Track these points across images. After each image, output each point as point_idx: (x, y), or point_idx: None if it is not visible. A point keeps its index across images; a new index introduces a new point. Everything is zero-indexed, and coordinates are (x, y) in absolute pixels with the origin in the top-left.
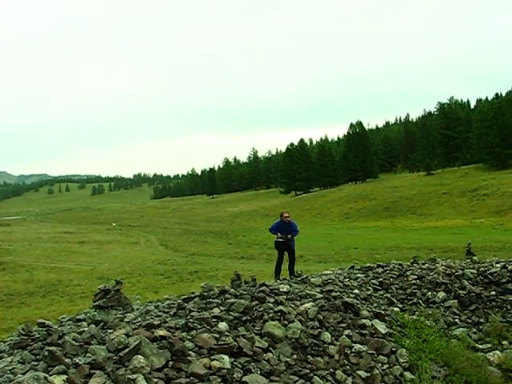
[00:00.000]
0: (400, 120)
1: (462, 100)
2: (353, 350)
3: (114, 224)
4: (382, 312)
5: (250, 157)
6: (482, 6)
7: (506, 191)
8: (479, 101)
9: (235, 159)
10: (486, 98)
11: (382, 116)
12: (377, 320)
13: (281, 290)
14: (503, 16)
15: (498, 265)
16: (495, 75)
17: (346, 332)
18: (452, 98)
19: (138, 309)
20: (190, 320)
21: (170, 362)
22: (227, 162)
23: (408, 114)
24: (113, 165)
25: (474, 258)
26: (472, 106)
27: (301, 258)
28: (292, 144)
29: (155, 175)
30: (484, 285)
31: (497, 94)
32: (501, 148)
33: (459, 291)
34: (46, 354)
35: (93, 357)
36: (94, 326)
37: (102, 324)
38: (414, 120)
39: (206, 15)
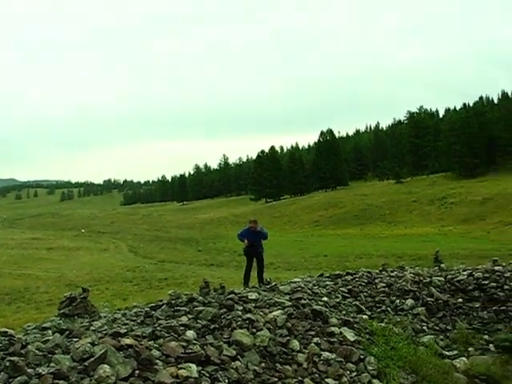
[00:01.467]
0: (370, 128)
1: (430, 109)
2: (321, 357)
3: (83, 230)
4: (351, 320)
5: (220, 164)
6: (455, 18)
7: (473, 200)
8: (448, 110)
9: (206, 166)
10: (455, 108)
11: (353, 124)
12: (346, 328)
13: (249, 297)
14: (471, 29)
15: (464, 272)
16: (462, 86)
17: (315, 340)
18: (421, 107)
19: (105, 317)
20: (158, 328)
21: (137, 371)
22: (198, 168)
23: (378, 123)
24: (83, 170)
25: (442, 265)
26: (441, 116)
27: (271, 265)
28: (263, 151)
29: (125, 181)
30: (451, 292)
31: (464, 105)
32: (468, 157)
33: (427, 298)
34: (8, 364)
35: (56, 366)
36: (58, 334)
37: (67, 333)
38: (384, 128)
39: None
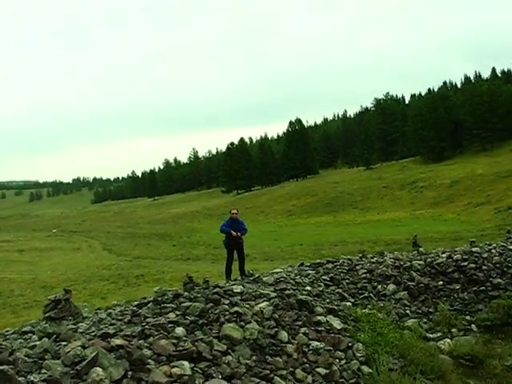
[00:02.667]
0: (338, 116)
1: (397, 96)
2: (310, 347)
3: (55, 230)
4: (336, 307)
5: (190, 157)
6: (414, 3)
7: (442, 183)
8: (413, 96)
9: (175, 160)
10: (420, 94)
11: (321, 113)
12: (331, 316)
13: (234, 290)
14: (435, 16)
15: (443, 255)
16: (427, 71)
17: (303, 330)
18: (388, 93)
19: (88, 317)
20: (146, 327)
21: (129, 372)
22: (167, 163)
23: (346, 111)
24: (50, 170)
25: (421, 249)
26: (407, 102)
27: (247, 256)
28: (232, 143)
29: (95, 179)
30: (432, 275)
31: (429, 90)
32: (436, 141)
33: (408, 283)
34: None
35: (48, 373)
36: (46, 339)
37: (54, 337)
38: (352, 116)
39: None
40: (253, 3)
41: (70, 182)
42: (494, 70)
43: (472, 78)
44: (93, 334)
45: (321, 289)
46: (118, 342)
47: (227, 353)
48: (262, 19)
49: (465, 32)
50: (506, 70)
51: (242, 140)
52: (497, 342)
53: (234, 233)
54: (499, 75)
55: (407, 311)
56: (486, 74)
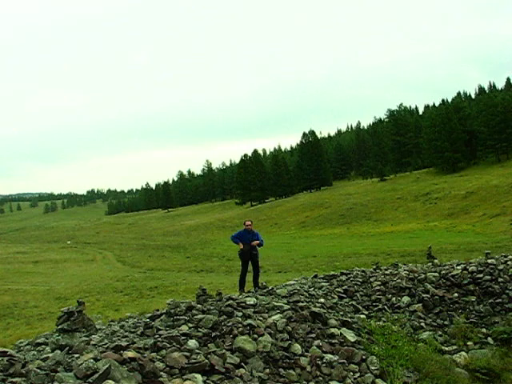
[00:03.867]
0: (351, 128)
1: (410, 107)
2: (324, 360)
3: (69, 242)
4: (349, 320)
5: (204, 169)
6: (428, 15)
7: (457, 194)
8: (427, 107)
9: (189, 172)
10: (434, 105)
11: (334, 124)
12: (345, 328)
13: (248, 302)
14: (446, 27)
15: (458, 267)
16: (440, 82)
17: (316, 342)
18: (401, 104)
19: (101, 329)
20: (159, 339)
21: None
22: (181, 175)
23: (359, 122)
24: (65, 182)
25: (435, 261)
26: (420, 112)
27: (260, 268)
28: (246, 155)
29: (109, 191)
30: (446, 287)
31: (443, 100)
32: (450, 152)
33: (423, 295)
34: None
35: None
36: (58, 351)
37: (67, 349)
38: (365, 127)
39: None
40: (265, 15)
41: (85, 193)
42: (508, 80)
43: (486, 89)
44: (105, 346)
45: (334, 301)
46: (130, 354)
47: (240, 365)
48: (274, 26)
49: (479, 42)
50: None
51: (255, 152)
52: None
53: (241, 244)
54: None
55: (422, 324)
56: (500, 85)
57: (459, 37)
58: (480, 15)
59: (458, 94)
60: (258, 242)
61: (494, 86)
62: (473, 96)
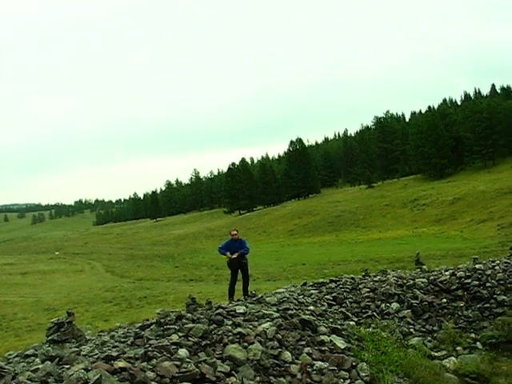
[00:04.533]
0: (339, 135)
1: (397, 114)
2: (314, 367)
3: (57, 253)
4: (339, 327)
5: (192, 178)
6: (413, 21)
7: (444, 200)
8: (413, 114)
9: (177, 181)
10: (420, 111)
11: (321, 132)
12: (334, 335)
13: (237, 311)
14: (433, 32)
15: (446, 273)
16: (426, 89)
17: (306, 350)
18: (388, 111)
19: (91, 340)
20: (149, 349)
21: None
22: (169, 184)
23: (346, 129)
24: (53, 192)
25: (424, 267)
26: (407, 119)
27: (250, 276)
28: (234, 163)
29: (97, 201)
30: (435, 293)
31: (429, 107)
32: (437, 158)
33: (412, 301)
34: None
35: None
36: (49, 362)
37: (57, 359)
38: (353, 135)
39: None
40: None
41: (72, 204)
42: (493, 86)
43: (472, 95)
44: (96, 356)
45: (324, 308)
46: (120, 364)
47: (231, 374)
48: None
49: (464, 48)
50: (505, 86)
51: (243, 160)
52: (502, 360)
53: (229, 254)
54: (499, 91)
55: (411, 329)
56: (485, 91)
57: (445, 42)
58: (465, 20)
59: (444, 100)
60: (237, 254)
61: (479, 92)
62: (459, 102)
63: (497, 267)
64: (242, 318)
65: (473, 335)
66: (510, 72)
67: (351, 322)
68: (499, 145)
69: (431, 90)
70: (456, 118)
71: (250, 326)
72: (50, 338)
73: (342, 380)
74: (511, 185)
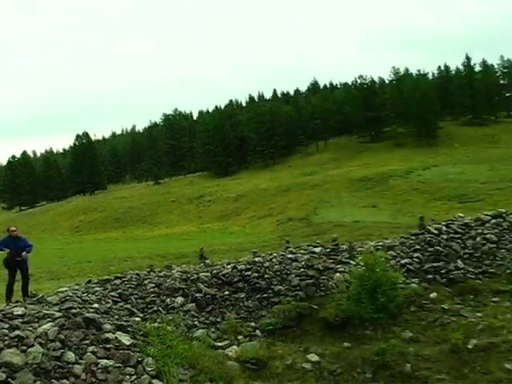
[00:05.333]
0: (127, 131)
1: (185, 112)
2: (99, 366)
3: None
4: (124, 323)
5: None
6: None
7: (228, 197)
8: (201, 113)
9: None
10: (208, 110)
11: (109, 127)
12: (120, 332)
13: (15, 313)
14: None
15: (228, 266)
16: (213, 88)
17: (91, 348)
18: (176, 109)
19: None
20: None
21: None
22: None
23: (134, 125)
24: None
25: (207, 261)
26: (195, 118)
27: (31, 276)
28: (14, 156)
29: None
30: (218, 286)
31: (216, 107)
32: (222, 156)
33: (196, 294)
34: None
35: None
36: None
37: None
38: (141, 131)
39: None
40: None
41: None
42: (275, 91)
43: (256, 98)
44: None
45: (109, 305)
46: None
47: (7, 382)
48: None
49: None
50: (285, 91)
51: (24, 153)
52: (278, 345)
53: (7, 251)
54: (280, 96)
55: (195, 322)
56: (268, 95)
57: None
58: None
59: (231, 101)
60: (25, 253)
61: (263, 95)
62: (244, 104)
63: (274, 259)
64: (21, 320)
65: (253, 324)
66: (291, 79)
67: (137, 318)
68: (279, 146)
69: (218, 90)
70: (241, 118)
71: (30, 328)
72: None
73: (128, 376)
74: (289, 183)
